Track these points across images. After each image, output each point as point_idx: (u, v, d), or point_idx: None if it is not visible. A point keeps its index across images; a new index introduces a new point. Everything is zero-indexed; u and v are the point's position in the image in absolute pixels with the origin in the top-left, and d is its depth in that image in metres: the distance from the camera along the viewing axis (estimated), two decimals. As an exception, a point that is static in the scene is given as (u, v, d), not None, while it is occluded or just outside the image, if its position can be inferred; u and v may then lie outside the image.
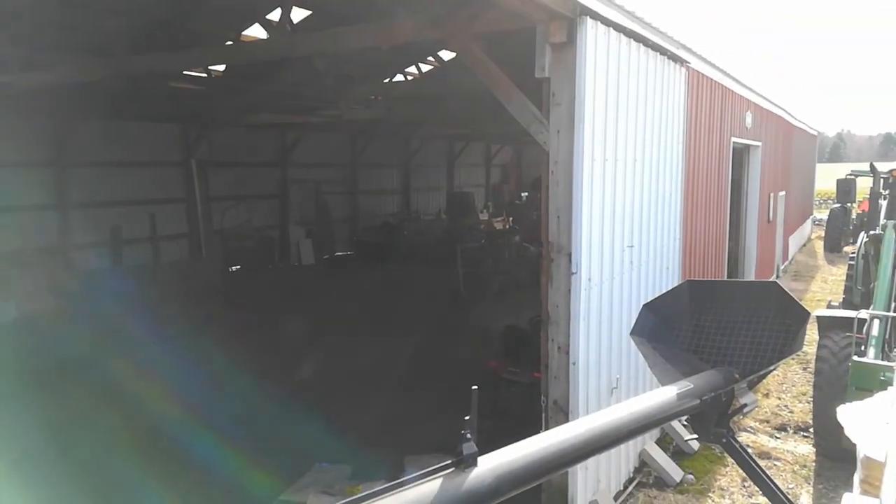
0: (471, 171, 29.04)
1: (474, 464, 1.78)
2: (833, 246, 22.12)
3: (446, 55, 14.66)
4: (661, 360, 3.91)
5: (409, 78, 15.73)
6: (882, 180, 8.30)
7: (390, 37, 6.61)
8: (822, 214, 27.99)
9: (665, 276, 7.19)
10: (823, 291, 16.32)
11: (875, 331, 5.98)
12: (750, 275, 14.10)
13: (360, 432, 7.08)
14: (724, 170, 10.65)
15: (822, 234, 24.40)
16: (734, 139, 11.25)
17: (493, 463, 1.87)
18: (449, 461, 1.75)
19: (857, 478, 3.40)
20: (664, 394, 3.36)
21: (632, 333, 4.17)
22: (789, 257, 20.32)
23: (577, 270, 5.13)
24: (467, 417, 1.76)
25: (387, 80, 15.35)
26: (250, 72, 12.43)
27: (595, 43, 5.32)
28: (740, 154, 13.24)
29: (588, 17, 5.21)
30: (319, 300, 14.78)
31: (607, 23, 5.54)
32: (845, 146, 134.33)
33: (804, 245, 24.32)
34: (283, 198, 20.18)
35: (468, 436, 1.75)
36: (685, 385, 3.43)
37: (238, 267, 17.88)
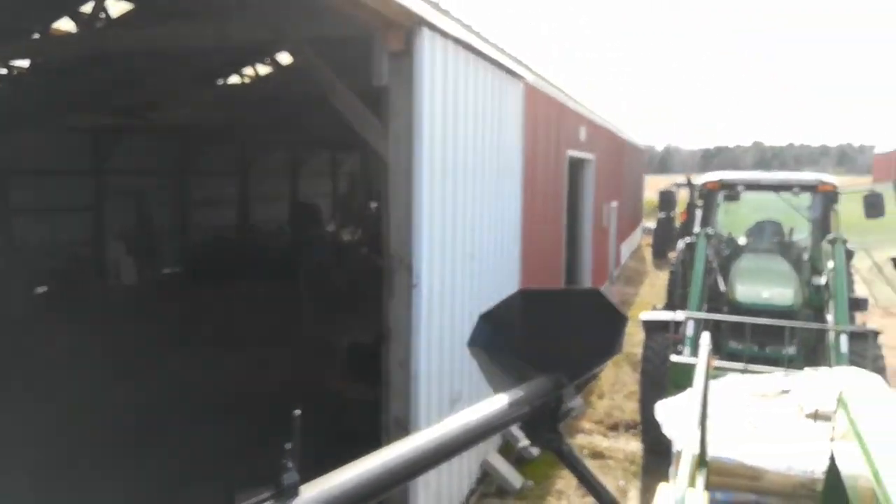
0: (316, 180, 27.84)
1: (295, 494, 1.60)
2: (660, 252, 24.29)
3: (286, 58, 14.12)
4: (497, 370, 3.94)
5: (245, 80, 14.94)
6: (697, 192, 9.12)
7: (219, 35, 6.18)
8: (651, 223, 30.67)
9: (506, 285, 7.37)
10: (651, 295, 17.79)
11: (690, 331, 6.54)
12: (586, 280, 15.03)
13: (185, 465, 6.50)
14: (560, 181, 11.24)
15: (651, 241, 26.74)
16: (570, 152, 11.92)
17: (318, 489, 1.69)
18: (265, 495, 1.55)
19: (671, 470, 3.61)
20: (496, 402, 3.34)
21: (468, 344, 4.17)
22: (621, 263, 21.98)
23: (417, 282, 5.06)
24: (288, 445, 1.59)
25: (220, 82, 14.48)
26: (59, 68, 11.14)
27: (433, 53, 5.31)
28: (576, 166, 14.09)
29: (426, 28, 5.18)
30: (138, 322, 13.32)
31: (445, 34, 5.55)
32: (671, 159, 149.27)
33: (635, 251, 26.48)
34: (99, 210, 18.01)
35: (289, 465, 1.57)
36: (516, 393, 3.45)
37: (45, 289, 15.80)
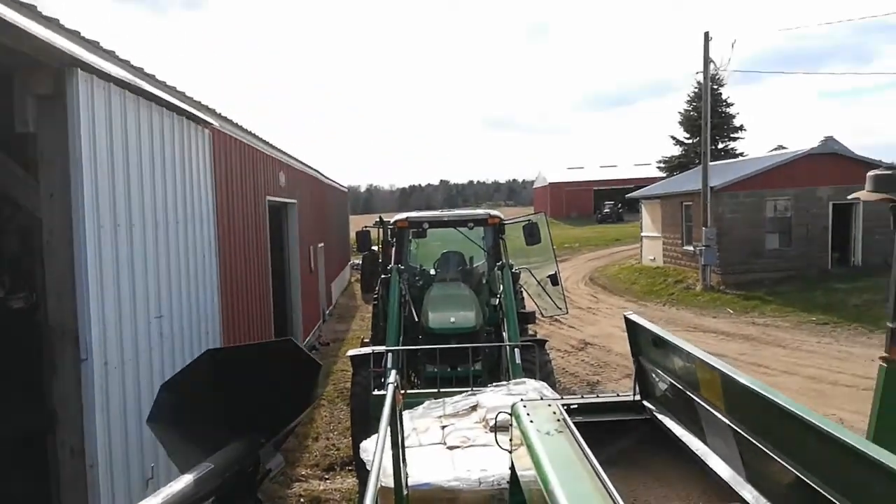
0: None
1: None
2: (368, 287, 25.20)
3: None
4: (184, 444, 3.63)
5: None
6: (389, 231, 9.72)
7: None
8: (359, 259, 31.84)
9: (205, 343, 6.91)
10: (362, 329, 18.37)
11: (390, 363, 6.90)
12: (298, 324, 14.93)
13: None
14: (261, 227, 11.03)
15: (359, 277, 27.74)
16: (270, 198, 11.79)
17: None
18: None
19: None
20: (182, 483, 3.07)
21: (148, 421, 3.77)
22: (333, 302, 22.36)
23: (87, 356, 4.42)
24: None
25: None
26: None
27: (90, 98, 4.78)
28: (279, 211, 13.99)
29: (79, 69, 4.65)
30: None
31: (107, 77, 5.05)
32: (374, 199, 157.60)
33: (345, 289, 27.20)
34: None
35: None
36: (205, 467, 3.22)
37: None
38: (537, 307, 10.73)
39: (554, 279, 10.11)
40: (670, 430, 3.23)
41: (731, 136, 47.40)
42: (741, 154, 43.90)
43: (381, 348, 7.38)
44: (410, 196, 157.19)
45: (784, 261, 20.86)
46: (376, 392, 6.22)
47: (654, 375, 3.44)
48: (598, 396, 3.88)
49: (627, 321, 3.64)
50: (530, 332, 9.58)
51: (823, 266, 20.71)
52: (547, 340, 8.87)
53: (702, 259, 20.84)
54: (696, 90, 45.14)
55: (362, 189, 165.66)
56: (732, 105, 47.49)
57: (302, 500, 7.16)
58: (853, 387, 10.36)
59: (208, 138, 7.84)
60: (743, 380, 2.43)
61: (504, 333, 7.54)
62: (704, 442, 2.93)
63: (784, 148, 33.26)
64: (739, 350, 13.43)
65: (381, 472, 3.00)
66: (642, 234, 28.58)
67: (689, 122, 47.30)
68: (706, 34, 21.36)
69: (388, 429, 3.04)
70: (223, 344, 7.60)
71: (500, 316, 8.06)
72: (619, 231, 47.02)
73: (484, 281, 9.63)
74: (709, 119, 22.33)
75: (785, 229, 21.26)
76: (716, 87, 34.19)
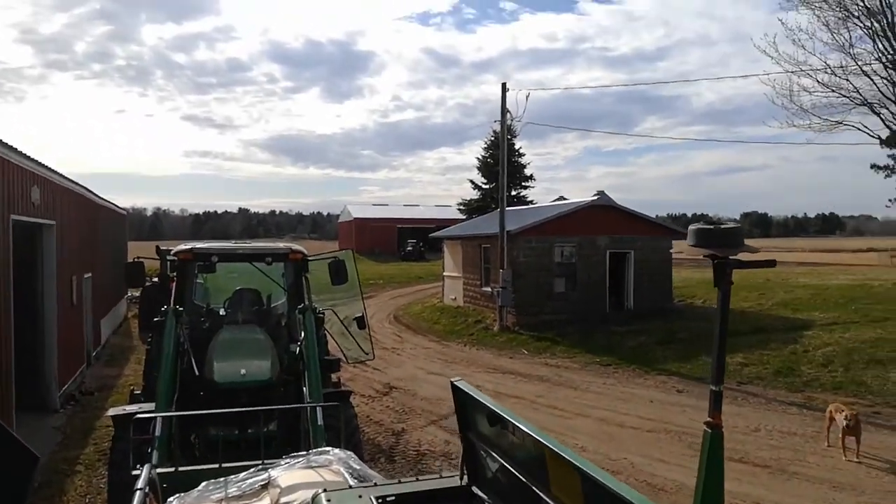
0: None
1: None
2: (147, 325, 22.33)
3: None
4: None
5: None
6: (170, 263, 8.28)
7: None
8: (138, 292, 28.27)
9: None
10: (136, 374, 15.96)
11: (158, 431, 5.62)
12: (52, 370, 12.42)
13: None
14: (1, 253, 8.91)
15: (137, 312, 24.51)
16: (15, 217, 9.64)
17: None
18: None
19: None
20: None
21: None
22: (102, 341, 19.34)
23: None
24: None
25: None
26: None
27: None
28: (29, 233, 11.61)
29: None
30: None
31: None
32: (162, 224, 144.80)
33: (120, 326, 23.84)
34: None
35: None
36: None
37: None
38: (341, 351, 9.93)
39: (361, 322, 9.41)
40: None
41: (523, 184, 51.32)
42: (531, 201, 47.60)
43: (148, 409, 6.06)
44: (205, 224, 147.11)
45: (570, 303, 22.40)
46: (135, 471, 4.94)
47: (484, 455, 2.88)
48: (417, 479, 3.20)
49: (455, 388, 3.06)
50: (333, 379, 8.74)
51: (602, 310, 22.60)
52: (352, 392, 8.09)
53: (499, 300, 21.60)
54: (493, 138, 48.40)
55: (149, 212, 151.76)
56: (524, 155, 51.65)
57: None
58: (638, 429, 11.00)
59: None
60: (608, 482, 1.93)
61: (304, 388, 6.62)
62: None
63: (565, 199, 36.57)
64: (536, 392, 13.80)
65: None
66: (444, 273, 29.16)
67: (487, 167, 50.36)
68: (503, 85, 22.66)
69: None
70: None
71: (300, 366, 7.13)
72: (422, 269, 47.97)
73: (283, 323, 8.59)
74: (506, 164, 23.54)
75: (571, 273, 22.91)
76: (510, 136, 36.74)
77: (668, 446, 10.10)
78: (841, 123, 20.63)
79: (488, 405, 2.66)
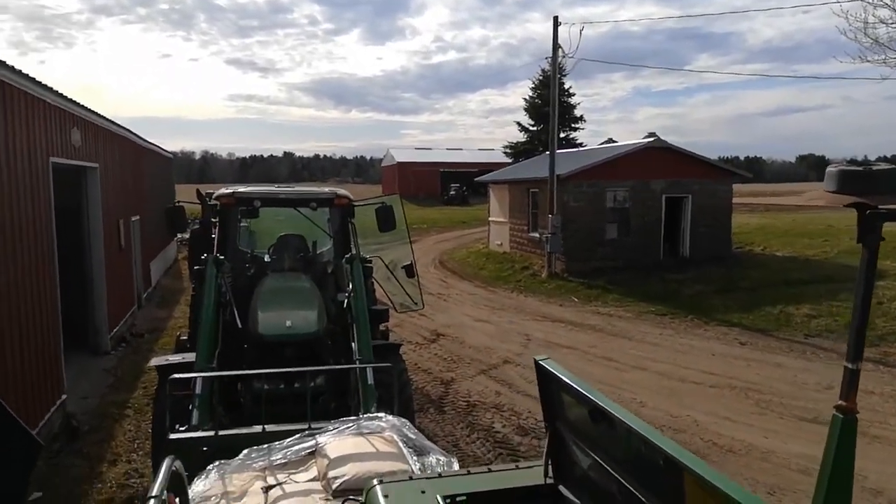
0: None
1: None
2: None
3: None
4: None
5: None
6: (211, 208, 7.88)
7: None
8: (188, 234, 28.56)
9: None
10: (186, 316, 16.02)
11: (199, 389, 5.30)
12: (102, 313, 12.46)
13: None
14: (40, 196, 8.67)
15: (187, 254, 24.75)
16: (56, 160, 9.37)
17: None
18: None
19: None
20: None
21: None
22: (153, 283, 19.57)
23: None
24: None
25: None
26: None
27: None
28: (71, 177, 11.42)
29: None
30: None
31: None
32: (210, 168, 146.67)
33: (170, 268, 24.15)
34: None
35: None
36: None
37: None
38: (389, 300, 9.52)
39: (409, 270, 8.93)
40: None
41: (573, 125, 49.39)
42: (581, 144, 45.93)
43: (190, 361, 5.76)
44: (251, 167, 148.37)
45: (622, 250, 21.56)
46: (173, 436, 4.61)
47: (578, 453, 2.35)
48: (489, 470, 2.66)
49: (539, 368, 2.50)
50: (381, 328, 8.37)
51: (656, 257, 21.70)
52: (401, 344, 7.68)
53: (547, 246, 20.90)
54: (541, 78, 46.46)
55: (197, 156, 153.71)
56: (573, 95, 49.53)
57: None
58: (701, 384, 10.40)
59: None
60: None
61: (353, 345, 6.20)
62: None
63: (614, 141, 34.98)
64: (589, 341, 13.27)
65: None
66: (490, 218, 28.49)
67: (535, 109, 48.59)
68: (555, 18, 21.18)
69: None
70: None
71: (347, 318, 6.71)
72: (466, 214, 47.31)
73: (329, 271, 8.16)
74: (557, 105, 22.38)
75: (623, 219, 21.97)
76: (560, 75, 35.06)
77: (733, 403, 9.50)
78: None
79: (591, 398, 2.09)
